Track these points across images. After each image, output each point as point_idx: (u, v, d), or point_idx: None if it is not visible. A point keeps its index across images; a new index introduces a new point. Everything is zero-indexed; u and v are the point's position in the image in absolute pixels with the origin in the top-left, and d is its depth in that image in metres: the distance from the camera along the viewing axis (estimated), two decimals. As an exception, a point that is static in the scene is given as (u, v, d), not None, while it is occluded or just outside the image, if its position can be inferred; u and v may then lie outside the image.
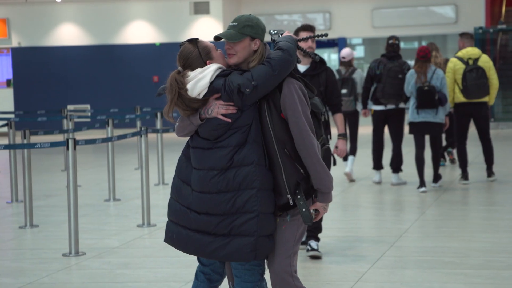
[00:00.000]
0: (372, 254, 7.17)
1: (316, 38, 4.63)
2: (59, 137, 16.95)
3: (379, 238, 7.86)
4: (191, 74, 4.20)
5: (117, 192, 10.87)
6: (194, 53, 4.25)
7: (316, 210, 4.28)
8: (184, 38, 22.85)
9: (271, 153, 4.19)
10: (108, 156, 10.68)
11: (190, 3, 22.72)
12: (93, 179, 13.02)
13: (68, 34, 23.44)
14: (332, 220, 8.64)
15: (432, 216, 8.94)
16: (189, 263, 6.78)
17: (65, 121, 14.92)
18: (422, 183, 10.58)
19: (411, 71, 10.56)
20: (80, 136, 16.95)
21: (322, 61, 6.94)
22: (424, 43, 22.87)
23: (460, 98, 10.89)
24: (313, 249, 7.11)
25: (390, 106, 11.04)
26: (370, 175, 12.08)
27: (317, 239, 7.23)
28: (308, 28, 7.02)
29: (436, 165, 10.85)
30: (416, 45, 24.05)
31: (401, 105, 11.07)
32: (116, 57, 23.14)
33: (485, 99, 10.93)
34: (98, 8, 23.18)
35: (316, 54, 4.82)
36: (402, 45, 22.48)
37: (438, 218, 8.84)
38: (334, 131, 10.56)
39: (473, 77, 10.72)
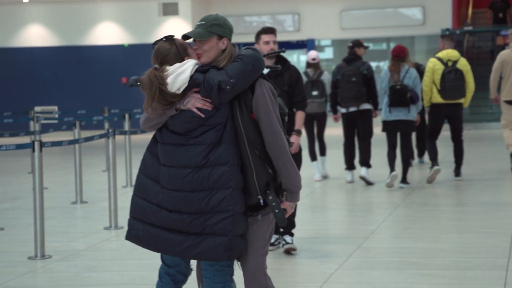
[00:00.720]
0: (340, 255, 7.20)
1: (277, 49, 4.66)
2: (25, 139, 16.83)
3: (347, 239, 7.88)
4: (169, 69, 4.17)
5: (84, 194, 10.80)
6: (172, 50, 4.22)
7: (284, 210, 4.30)
8: (153, 39, 22.78)
9: (242, 154, 4.20)
10: (75, 158, 10.61)
11: (159, 4, 22.66)
12: (60, 181, 12.93)
13: (36, 35, 23.27)
14: (301, 222, 8.65)
15: (400, 217, 8.99)
16: (157, 266, 6.72)
17: (31, 122, 14.80)
18: (392, 169, 10.78)
19: (385, 70, 10.75)
20: (47, 138, 16.81)
21: (285, 60, 7.06)
22: (392, 45, 23.03)
23: (437, 98, 11.04)
24: (287, 243, 7.25)
25: (352, 109, 11.19)
26: (340, 175, 12.14)
27: (291, 235, 7.35)
28: (269, 30, 7.10)
29: (406, 166, 10.98)
30: (384, 46, 24.19)
31: (364, 106, 11.18)
32: (84, 58, 23.02)
33: (461, 100, 11.09)
34: (66, 9, 23.04)
35: (280, 50, 4.85)
36: (371, 46, 22.62)
37: (405, 219, 8.89)
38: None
39: (451, 78, 10.87)
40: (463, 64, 11.05)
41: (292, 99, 7.20)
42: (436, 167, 11.10)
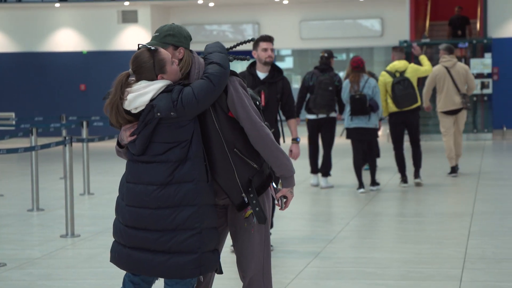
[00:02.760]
0: (297, 264, 7.23)
1: (244, 44, 4.71)
2: (-19, 145, 16.61)
3: (304, 249, 7.91)
4: (135, 86, 4.15)
5: (41, 202, 10.71)
6: (148, 64, 4.18)
7: (284, 197, 4.36)
8: (112, 46, 22.69)
9: (220, 156, 4.21)
10: (32, 165, 10.51)
11: (118, 12, 22.58)
12: (16, 189, 12.80)
13: (-7, 41, 23.02)
14: (257, 231, 8.66)
15: (357, 227, 9.06)
16: (113, 274, 6.71)
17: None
18: (360, 185, 11.37)
19: (346, 81, 11.28)
20: (3, 144, 16.66)
21: (279, 71, 7.63)
22: (352, 55, 23.21)
23: (393, 108, 11.73)
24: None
25: (322, 116, 11.73)
26: (304, 179, 12.19)
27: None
28: (268, 38, 7.60)
29: (373, 169, 11.56)
30: (344, 56, 24.37)
31: (332, 114, 11.78)
32: (42, 64, 22.83)
33: (414, 106, 11.67)
34: (24, 15, 22.84)
35: (244, 57, 4.94)
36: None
37: (362, 229, 8.96)
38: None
39: (400, 88, 11.53)
40: (411, 72, 11.69)
41: (282, 108, 7.72)
42: (403, 185, 11.75)
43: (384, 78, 11.72)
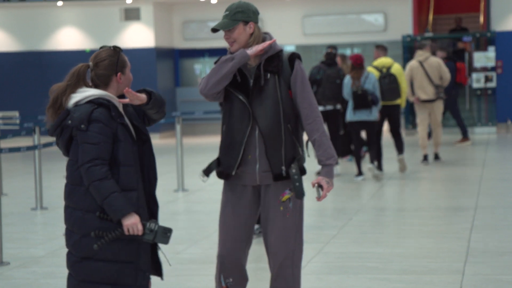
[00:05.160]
0: (299, 260, 7.22)
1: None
2: (-14, 145, 16.62)
3: (307, 244, 7.89)
4: (79, 92, 4.20)
5: (44, 200, 10.72)
6: (112, 59, 4.23)
7: (321, 187, 4.42)
8: (115, 44, 22.69)
9: (274, 126, 4.37)
10: (35, 164, 10.53)
11: (121, 9, 22.58)
12: (20, 187, 12.83)
13: (-4, 40, 23.05)
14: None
15: (360, 222, 9.05)
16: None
17: (-9, 128, 14.66)
18: (359, 173, 12.09)
19: (348, 77, 11.96)
20: (7, 143, 16.67)
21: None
22: (356, 51, 23.19)
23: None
24: None
25: (329, 107, 12.55)
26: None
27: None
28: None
29: (373, 155, 12.09)
30: (348, 52, 24.33)
31: (338, 106, 12.63)
32: (45, 63, 22.85)
33: (397, 101, 12.67)
34: (26, 14, 22.87)
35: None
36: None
37: (365, 224, 8.96)
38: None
39: (386, 82, 12.47)
40: (397, 69, 12.68)
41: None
42: (371, 166, 12.14)
43: (371, 72, 12.32)
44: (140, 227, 4.09)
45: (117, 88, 4.26)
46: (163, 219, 9.50)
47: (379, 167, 12.51)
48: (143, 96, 4.23)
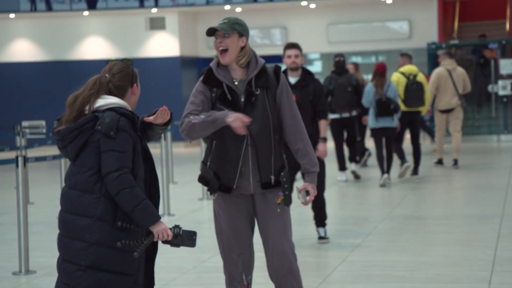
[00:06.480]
0: (324, 268, 7.21)
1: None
2: (11, 154, 16.76)
3: (331, 253, 7.90)
4: (102, 98, 4.22)
5: (70, 209, 10.75)
6: (129, 70, 4.29)
7: (307, 192, 4.72)
8: (140, 53, 22.81)
9: (264, 137, 4.66)
10: (61, 172, 10.57)
11: (146, 19, 22.70)
12: (46, 196, 12.91)
13: (23, 50, 23.25)
14: (285, 235, 8.65)
15: (385, 230, 9.01)
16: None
17: (18, 137, 14.77)
18: (382, 172, 12.31)
19: (370, 85, 12.21)
20: (33, 153, 16.78)
21: (310, 73, 7.99)
22: (381, 58, 23.14)
23: (402, 107, 12.78)
24: (320, 237, 8.29)
25: (345, 115, 12.81)
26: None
27: (324, 225, 8.34)
28: (291, 46, 8.01)
29: (389, 162, 12.38)
30: (373, 59, 24.26)
31: (353, 113, 12.93)
32: (71, 73, 23.00)
33: (420, 108, 13.00)
34: (53, 24, 23.05)
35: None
36: (359, 60, 22.92)
37: (390, 232, 8.91)
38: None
39: (413, 89, 12.79)
40: (421, 78, 12.98)
41: (314, 109, 7.99)
42: (406, 164, 12.56)
43: (398, 78, 12.88)
44: (169, 232, 4.16)
45: (131, 99, 4.29)
46: (189, 228, 9.53)
47: (415, 171, 12.97)
48: (168, 117, 4.38)
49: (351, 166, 13.33)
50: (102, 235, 4.07)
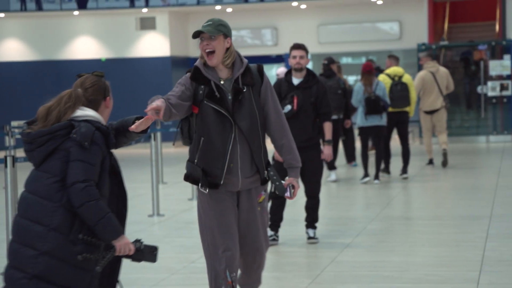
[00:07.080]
0: (314, 268, 7.22)
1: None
2: (0, 154, 16.71)
3: (321, 253, 7.90)
4: (80, 109, 4.21)
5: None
6: (101, 83, 4.27)
7: (293, 186, 4.92)
8: (130, 53, 22.79)
9: (255, 135, 4.81)
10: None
11: (136, 19, 22.67)
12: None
13: (12, 50, 23.19)
14: (275, 236, 8.66)
15: (374, 230, 9.02)
16: (140, 282, 6.73)
17: (6, 137, 14.73)
18: (365, 175, 12.47)
19: (359, 84, 12.29)
20: (22, 153, 16.70)
21: (314, 75, 7.97)
22: (371, 58, 23.19)
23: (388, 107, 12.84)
24: (310, 237, 8.25)
25: (334, 117, 12.44)
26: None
27: (314, 227, 8.31)
28: (297, 46, 8.00)
29: (378, 163, 12.53)
30: (364, 60, 24.30)
31: (341, 116, 13.24)
32: (62, 72, 22.96)
33: (407, 109, 13.13)
34: (42, 23, 23.00)
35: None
36: (349, 60, 23.02)
37: (379, 232, 8.92)
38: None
39: (398, 89, 12.94)
40: (407, 79, 13.15)
41: (318, 111, 7.96)
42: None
43: (383, 79, 12.97)
44: (132, 247, 4.11)
45: (105, 112, 4.27)
46: (178, 228, 9.53)
47: (387, 170, 13.11)
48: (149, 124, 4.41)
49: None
50: (55, 246, 3.95)
